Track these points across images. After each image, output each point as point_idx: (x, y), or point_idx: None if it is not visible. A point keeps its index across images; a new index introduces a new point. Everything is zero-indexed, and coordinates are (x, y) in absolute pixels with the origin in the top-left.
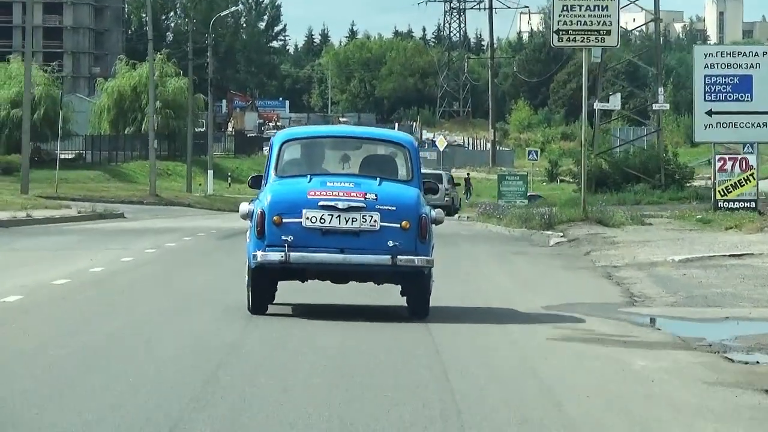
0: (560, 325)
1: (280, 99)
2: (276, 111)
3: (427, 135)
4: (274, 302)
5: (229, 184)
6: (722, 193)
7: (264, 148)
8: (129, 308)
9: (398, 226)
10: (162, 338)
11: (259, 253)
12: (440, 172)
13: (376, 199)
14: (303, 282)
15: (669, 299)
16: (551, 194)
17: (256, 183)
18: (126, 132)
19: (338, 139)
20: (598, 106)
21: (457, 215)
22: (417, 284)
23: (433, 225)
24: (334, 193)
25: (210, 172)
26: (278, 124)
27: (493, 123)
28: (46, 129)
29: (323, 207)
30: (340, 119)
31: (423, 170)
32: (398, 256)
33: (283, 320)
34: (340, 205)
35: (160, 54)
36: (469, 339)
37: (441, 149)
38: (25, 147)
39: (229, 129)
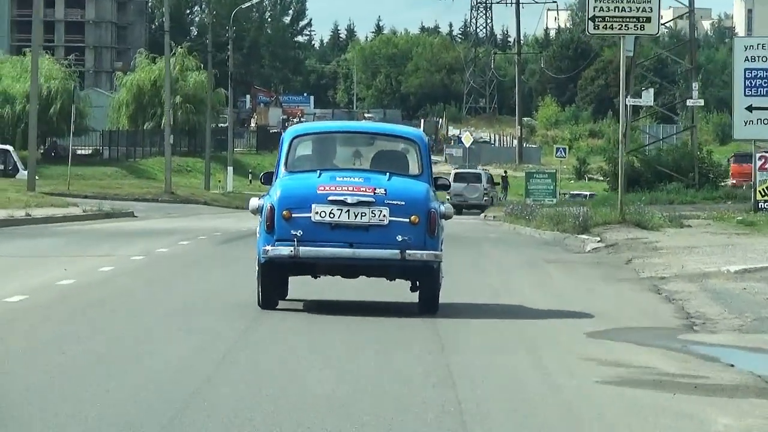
0: (610, 359)
1: (305, 94)
2: (300, 107)
3: (453, 131)
4: (287, 298)
5: (250, 180)
6: (763, 194)
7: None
8: (76, 341)
9: (407, 220)
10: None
11: (268, 248)
12: (479, 171)
13: (385, 193)
14: (315, 278)
15: (734, 322)
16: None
17: (268, 179)
18: (145, 127)
19: (348, 135)
20: (630, 101)
21: (482, 215)
22: (426, 279)
23: (443, 220)
24: (343, 188)
25: (230, 169)
26: (302, 119)
27: (520, 119)
28: (62, 124)
29: (332, 202)
30: (365, 115)
31: (463, 170)
32: (407, 251)
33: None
34: (350, 199)
35: (181, 47)
36: (498, 386)
37: (467, 146)
38: (31, 142)
39: (252, 125)
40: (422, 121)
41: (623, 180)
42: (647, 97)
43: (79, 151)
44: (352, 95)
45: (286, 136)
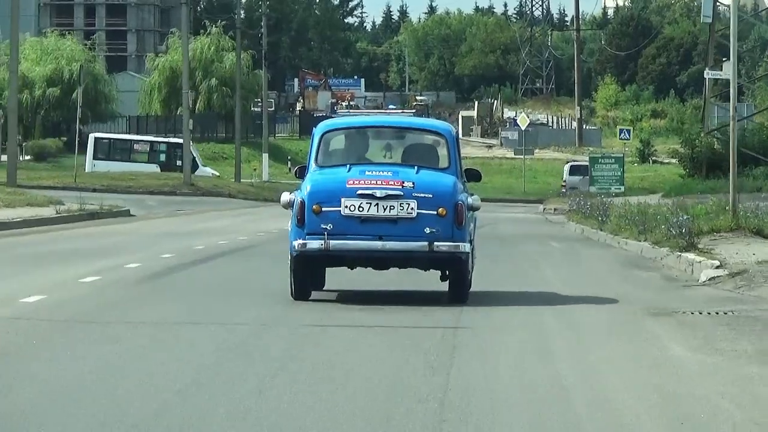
0: None
1: (355, 77)
2: (351, 90)
3: (508, 113)
4: (324, 288)
5: (289, 168)
6: None
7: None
8: None
9: (435, 213)
10: None
11: (299, 242)
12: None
13: (413, 187)
14: (351, 269)
15: None
16: (647, 178)
17: (302, 173)
18: (178, 112)
19: (378, 129)
20: (709, 74)
21: (542, 207)
22: (455, 270)
23: (471, 212)
24: (372, 182)
25: (265, 156)
26: (351, 103)
27: (580, 99)
28: (86, 109)
29: (361, 195)
30: (417, 98)
31: (578, 162)
32: (435, 243)
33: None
34: (378, 193)
35: (216, 26)
36: None
37: (523, 128)
38: (12, 129)
39: (298, 109)
40: (476, 103)
41: (734, 169)
42: (729, 69)
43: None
44: (404, 78)
45: (317, 131)
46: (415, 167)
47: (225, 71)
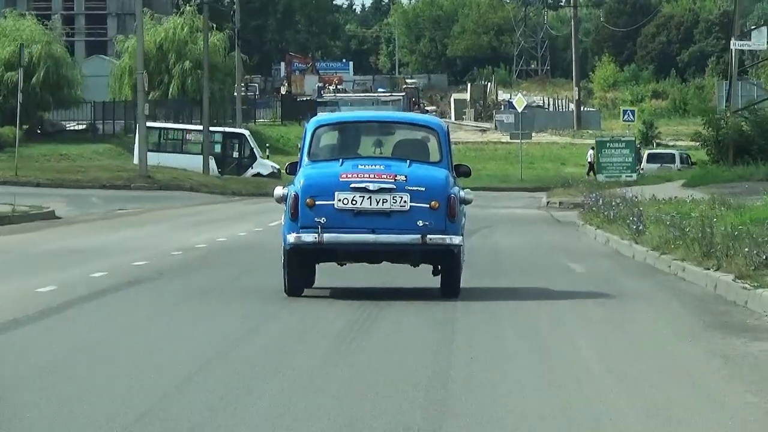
0: None
1: (344, 61)
2: (339, 73)
3: (503, 96)
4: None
5: (267, 156)
6: None
7: (319, 113)
8: None
9: (427, 206)
10: None
11: (293, 235)
12: (673, 151)
13: (405, 180)
14: (341, 265)
15: None
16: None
17: (293, 169)
18: (151, 97)
19: (369, 124)
20: (736, 45)
21: (545, 200)
22: (447, 263)
23: (463, 205)
24: (365, 176)
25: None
26: (339, 87)
27: (578, 80)
28: (47, 94)
29: (355, 189)
30: (407, 81)
31: (656, 150)
32: (428, 236)
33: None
34: (371, 186)
35: (190, 5)
36: None
37: (519, 110)
38: None
39: (283, 92)
40: (469, 85)
41: None
42: (759, 39)
43: (70, 127)
44: (394, 61)
45: (309, 127)
46: (408, 161)
47: (200, 53)
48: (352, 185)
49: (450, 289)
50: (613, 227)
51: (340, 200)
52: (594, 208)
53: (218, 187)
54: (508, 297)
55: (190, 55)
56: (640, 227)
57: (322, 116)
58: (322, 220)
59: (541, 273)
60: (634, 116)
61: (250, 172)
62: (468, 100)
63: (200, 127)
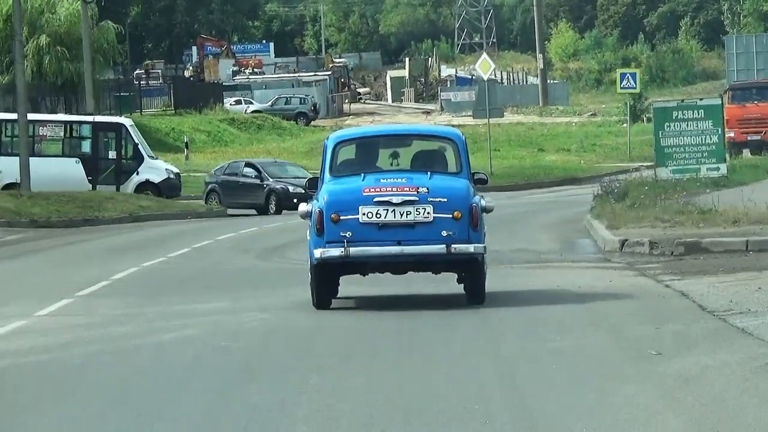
0: None
1: (264, 42)
2: (258, 56)
3: (447, 72)
4: (338, 296)
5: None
6: None
7: (226, 100)
8: None
9: (450, 216)
10: None
11: (319, 250)
12: None
13: (428, 192)
14: (364, 275)
15: None
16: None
17: (313, 185)
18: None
19: (388, 138)
20: None
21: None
22: (472, 271)
23: (484, 213)
24: (387, 189)
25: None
26: (257, 70)
27: (542, 45)
28: None
29: (378, 203)
30: (334, 60)
31: None
32: (452, 245)
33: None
34: (395, 199)
35: None
36: None
37: (485, 77)
38: None
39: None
40: (407, 60)
41: None
42: None
43: None
44: (321, 42)
45: (329, 143)
46: (428, 173)
47: (59, 25)
48: (376, 199)
49: (476, 297)
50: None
51: (364, 214)
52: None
53: (7, 213)
54: None
55: (47, 28)
56: None
57: (341, 133)
58: (348, 234)
59: None
60: (636, 81)
61: (135, 179)
62: (406, 78)
63: (56, 117)
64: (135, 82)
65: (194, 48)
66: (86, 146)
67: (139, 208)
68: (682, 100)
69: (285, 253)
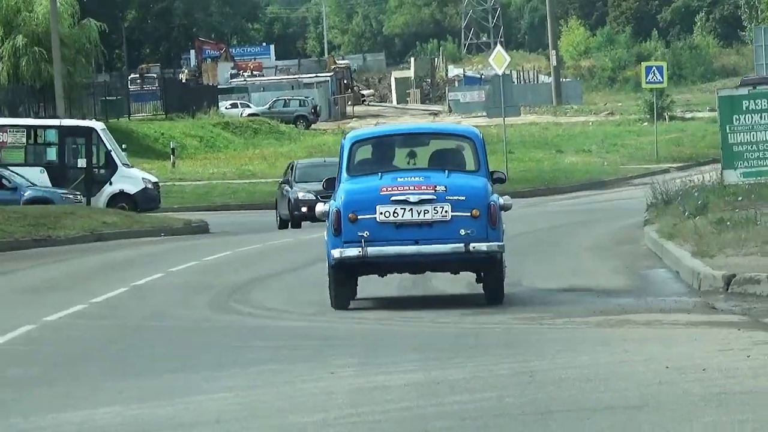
0: None
1: (264, 44)
2: (258, 59)
3: (454, 72)
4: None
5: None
6: None
7: (222, 103)
8: None
9: (468, 214)
10: None
11: (338, 251)
12: None
13: (445, 190)
14: (381, 276)
15: None
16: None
17: (331, 185)
18: None
19: (405, 136)
20: None
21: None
22: (491, 270)
23: (502, 212)
24: (405, 188)
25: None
26: (256, 73)
27: (554, 41)
28: None
29: (395, 201)
30: (336, 61)
31: None
32: (471, 244)
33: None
34: (412, 198)
35: None
36: None
37: (500, 71)
38: None
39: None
40: (413, 60)
41: None
42: None
43: None
44: (324, 44)
45: (346, 143)
46: (446, 171)
47: (38, 24)
48: (393, 198)
49: (495, 295)
50: None
51: (381, 213)
52: None
53: None
54: None
55: (24, 27)
56: None
57: (358, 132)
58: (365, 233)
59: None
60: (663, 75)
61: (108, 190)
62: (412, 78)
63: (17, 121)
64: (129, 87)
65: (192, 52)
66: (52, 153)
67: (102, 225)
68: (754, 87)
69: (250, 294)
